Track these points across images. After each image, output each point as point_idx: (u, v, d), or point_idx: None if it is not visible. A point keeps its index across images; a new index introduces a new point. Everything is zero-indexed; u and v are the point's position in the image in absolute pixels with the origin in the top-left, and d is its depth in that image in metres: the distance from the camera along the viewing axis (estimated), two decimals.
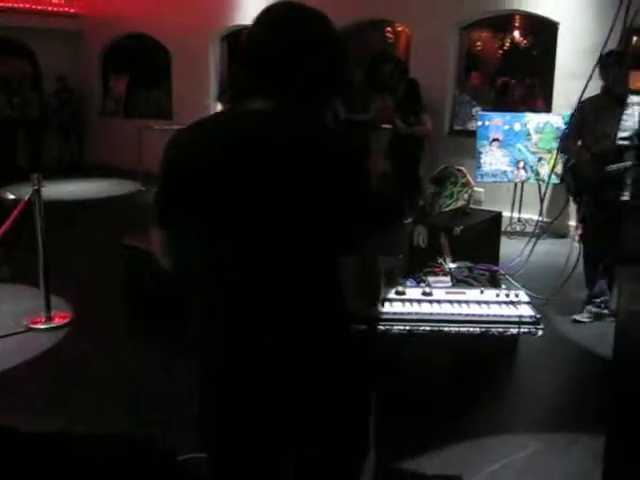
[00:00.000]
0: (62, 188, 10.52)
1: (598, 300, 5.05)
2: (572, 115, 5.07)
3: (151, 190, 10.62)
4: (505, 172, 8.09)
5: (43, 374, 4.28)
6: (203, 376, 1.75)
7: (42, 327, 4.95)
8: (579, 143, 5.08)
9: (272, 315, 1.63)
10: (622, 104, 4.63)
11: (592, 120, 4.90)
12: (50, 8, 13.26)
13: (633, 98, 4.76)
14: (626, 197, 4.50)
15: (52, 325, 4.97)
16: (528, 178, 8.06)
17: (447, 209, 5.41)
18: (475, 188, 5.95)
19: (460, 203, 5.46)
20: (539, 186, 7.88)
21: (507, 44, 10.83)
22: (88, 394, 3.96)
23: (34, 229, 5.01)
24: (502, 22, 10.22)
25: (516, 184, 8.18)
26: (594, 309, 5.10)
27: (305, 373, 1.65)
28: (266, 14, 1.63)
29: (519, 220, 8.22)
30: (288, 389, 1.66)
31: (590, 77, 3.44)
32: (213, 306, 1.70)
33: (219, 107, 11.09)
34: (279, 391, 1.66)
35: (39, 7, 13.04)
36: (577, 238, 6.38)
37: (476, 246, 4.87)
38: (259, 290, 1.63)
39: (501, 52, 10.95)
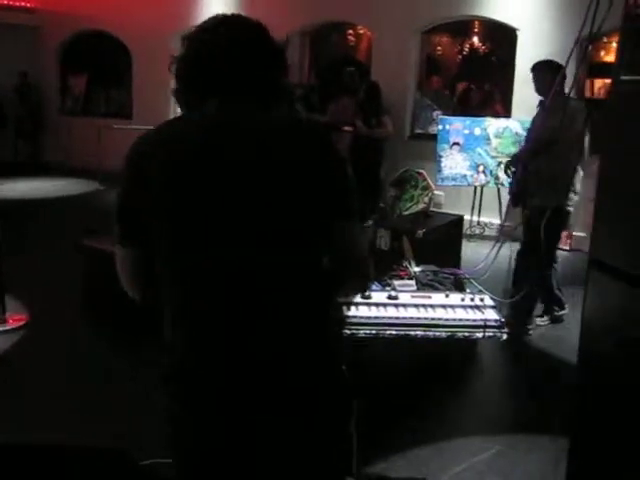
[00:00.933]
0: (19, 186, 10.31)
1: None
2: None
3: (110, 189, 10.49)
4: (465, 176, 8.18)
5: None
6: (180, 399, 1.66)
7: None
8: None
9: (261, 320, 1.57)
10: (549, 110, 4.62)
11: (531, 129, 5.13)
12: (7, 2, 12.97)
13: (573, 103, 4.78)
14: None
15: (6, 327, 4.85)
16: (487, 182, 8.16)
17: (407, 212, 5.44)
18: (435, 191, 6.00)
19: (420, 206, 5.50)
20: (498, 190, 8.00)
21: (467, 49, 10.96)
22: (43, 400, 3.86)
23: None
24: (463, 27, 10.33)
25: (476, 188, 8.28)
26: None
27: (294, 381, 1.61)
28: (219, 23, 1.67)
29: (478, 223, 8.32)
30: (271, 396, 1.59)
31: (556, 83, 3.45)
32: (196, 315, 1.60)
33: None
34: (261, 399, 1.59)
35: None
36: None
37: (438, 249, 4.92)
38: (246, 296, 1.56)
39: (461, 57, 11.07)
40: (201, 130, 1.59)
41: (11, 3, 13.06)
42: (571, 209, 4.88)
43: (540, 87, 4.87)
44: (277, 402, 1.59)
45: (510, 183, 5.53)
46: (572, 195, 4.87)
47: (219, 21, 1.67)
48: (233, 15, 1.70)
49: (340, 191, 1.62)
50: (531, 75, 4.99)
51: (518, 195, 4.86)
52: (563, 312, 5.15)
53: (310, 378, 1.63)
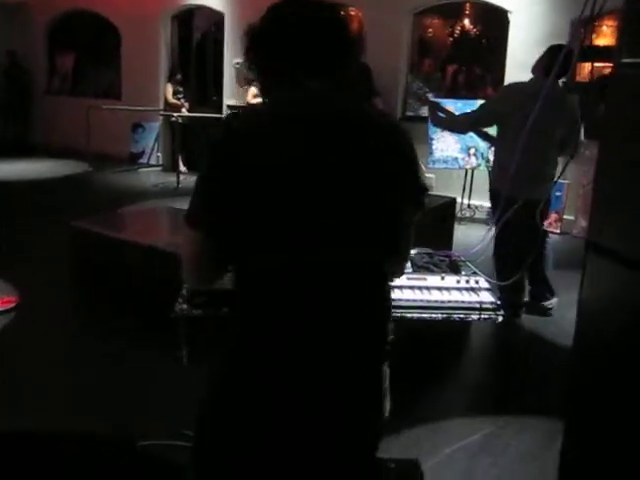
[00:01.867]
0: (7, 168, 10.23)
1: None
2: None
3: (98, 170, 10.45)
4: (456, 159, 8.19)
5: None
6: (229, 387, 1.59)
7: None
8: None
9: (336, 322, 1.54)
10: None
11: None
12: None
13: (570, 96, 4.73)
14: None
15: None
16: (479, 165, 8.18)
17: None
18: (427, 174, 6.01)
19: None
20: (489, 173, 8.00)
21: (458, 31, 10.92)
22: (34, 384, 3.84)
23: None
24: (454, 9, 10.29)
25: (467, 170, 8.29)
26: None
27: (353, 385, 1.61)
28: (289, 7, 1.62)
29: (469, 206, 8.34)
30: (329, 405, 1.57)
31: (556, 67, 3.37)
32: (274, 312, 1.54)
33: (169, 88, 10.92)
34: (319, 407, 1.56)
35: None
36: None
37: (430, 232, 4.91)
38: (330, 297, 1.53)
39: (452, 39, 11.03)
40: (302, 118, 1.52)
41: None
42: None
43: (534, 69, 4.79)
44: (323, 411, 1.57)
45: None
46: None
47: (302, 4, 1.62)
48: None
49: (412, 183, 1.63)
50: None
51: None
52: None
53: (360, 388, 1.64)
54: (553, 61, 4.03)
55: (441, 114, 5.11)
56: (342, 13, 1.63)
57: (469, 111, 5.11)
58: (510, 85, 5.05)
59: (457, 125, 5.09)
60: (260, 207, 1.46)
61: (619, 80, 1.98)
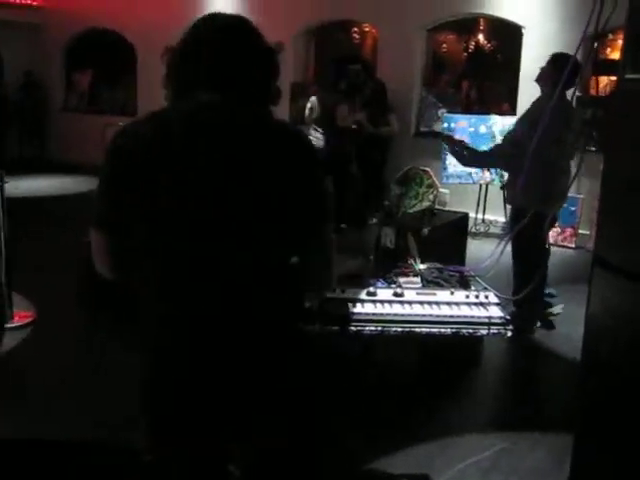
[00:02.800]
0: (24, 184, 10.32)
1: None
2: None
3: None
4: (470, 174, 8.18)
5: (3, 374, 4.19)
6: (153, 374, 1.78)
7: (3, 327, 4.84)
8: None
9: (231, 310, 1.64)
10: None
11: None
12: (12, 0, 12.99)
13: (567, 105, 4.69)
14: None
15: (13, 324, 4.87)
16: (492, 180, 8.16)
17: (412, 210, 5.43)
18: (440, 189, 6.00)
19: (425, 204, 5.49)
20: (503, 188, 7.99)
21: (472, 47, 10.95)
22: (50, 398, 3.87)
23: None
24: (468, 25, 10.33)
25: (481, 186, 8.28)
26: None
27: (256, 369, 1.67)
28: (211, 20, 1.76)
29: (483, 221, 8.32)
30: (237, 383, 1.67)
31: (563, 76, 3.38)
32: (168, 304, 1.69)
33: None
34: (227, 385, 1.67)
35: None
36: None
37: (443, 247, 4.91)
38: (218, 286, 1.63)
39: (466, 55, 11.06)
40: (185, 123, 1.64)
41: (16, 1, 13.08)
42: (551, 212, 4.33)
43: (538, 78, 4.80)
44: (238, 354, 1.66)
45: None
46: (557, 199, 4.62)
47: (211, 18, 1.76)
48: (225, 14, 1.77)
49: (318, 194, 1.70)
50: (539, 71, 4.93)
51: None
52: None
53: (275, 369, 1.70)
54: (557, 72, 4.21)
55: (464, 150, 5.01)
56: (251, 26, 1.74)
57: (498, 144, 5.04)
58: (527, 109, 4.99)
59: (494, 161, 4.99)
60: (147, 203, 1.60)
61: (622, 95, 1.99)
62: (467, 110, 9.46)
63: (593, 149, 6.25)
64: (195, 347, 1.66)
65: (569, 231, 7.83)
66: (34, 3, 13.35)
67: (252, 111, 1.69)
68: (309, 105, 8.48)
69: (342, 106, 8.25)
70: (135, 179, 1.60)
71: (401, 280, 3.15)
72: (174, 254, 1.63)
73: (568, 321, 5.10)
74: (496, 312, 2.75)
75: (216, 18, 1.75)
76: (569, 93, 4.59)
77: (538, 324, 4.93)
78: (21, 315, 5.00)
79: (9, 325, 4.84)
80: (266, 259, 1.66)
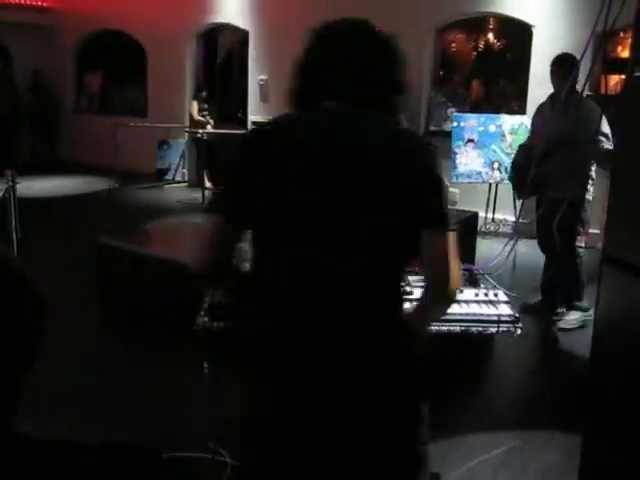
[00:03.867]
0: (36, 185, 10.39)
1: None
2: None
3: (125, 187, 10.59)
4: (480, 173, 8.17)
5: None
6: (255, 379, 1.72)
7: None
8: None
9: (338, 319, 1.61)
10: (564, 108, 4.61)
11: (538, 124, 5.16)
12: (24, 2, 13.08)
13: (588, 102, 4.86)
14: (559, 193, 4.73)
15: None
16: (502, 179, 8.15)
17: None
18: (450, 188, 6.01)
19: None
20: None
21: (482, 46, 10.92)
22: (58, 398, 3.90)
23: (7, 226, 4.94)
24: (477, 24, 10.30)
25: (490, 185, 8.27)
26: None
27: (365, 379, 1.63)
28: (326, 29, 1.75)
29: (493, 220, 8.31)
30: (345, 395, 1.61)
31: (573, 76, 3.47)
32: (275, 307, 1.67)
33: (195, 106, 11.04)
34: (335, 397, 1.61)
35: (12, 1, 12.84)
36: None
37: None
38: (327, 294, 1.60)
39: (476, 54, 11.03)
40: (315, 132, 1.63)
41: (27, 3, 13.17)
42: (589, 198, 5.03)
43: (554, 84, 4.89)
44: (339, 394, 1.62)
45: (509, 177, 5.59)
46: (589, 186, 5.01)
47: (346, 25, 1.75)
48: (361, 21, 1.76)
49: (433, 205, 1.64)
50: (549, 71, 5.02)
51: (531, 189, 4.83)
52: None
53: (387, 380, 1.66)
54: (562, 71, 4.64)
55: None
56: (380, 33, 1.74)
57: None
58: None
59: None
60: (265, 205, 1.62)
61: (632, 93, 1.99)
62: (476, 109, 9.45)
63: None
64: (302, 366, 1.62)
65: (580, 231, 7.79)
66: (45, 5, 13.43)
67: (376, 120, 1.68)
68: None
69: None
70: (259, 178, 1.62)
71: (410, 278, 3.15)
72: (287, 260, 1.63)
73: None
74: (506, 310, 2.75)
75: (351, 26, 1.75)
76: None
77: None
78: None
79: None
80: (383, 270, 1.64)
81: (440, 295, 1.73)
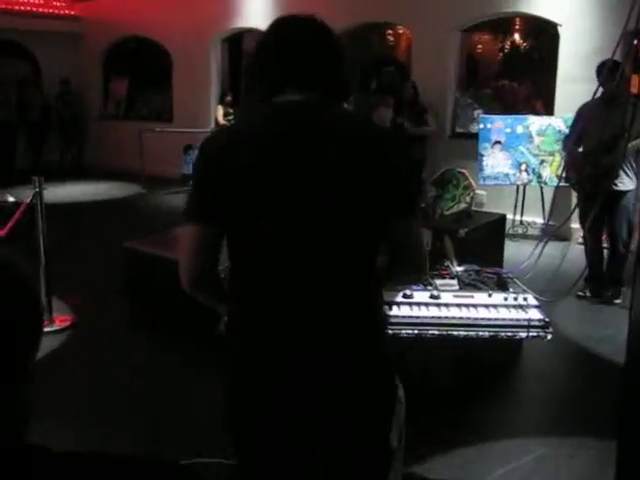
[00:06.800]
0: (63, 190, 10.49)
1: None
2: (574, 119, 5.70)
3: (152, 192, 10.65)
4: (507, 175, 8.08)
5: (44, 379, 4.24)
6: (236, 376, 1.73)
7: (44, 330, 4.90)
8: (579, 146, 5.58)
9: (316, 312, 1.63)
10: (614, 107, 4.94)
11: (587, 122, 5.34)
12: (51, 10, 13.25)
13: (631, 100, 5.14)
14: (622, 186, 5.29)
15: (54, 328, 4.94)
16: (530, 181, 8.05)
17: (448, 212, 5.40)
18: (477, 191, 5.94)
19: (462, 206, 5.45)
20: (541, 189, 7.89)
21: (508, 46, 10.83)
22: (88, 400, 3.92)
23: (35, 231, 4.98)
24: (503, 24, 10.21)
25: (518, 187, 8.17)
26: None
27: (342, 371, 1.66)
28: (289, 21, 1.74)
29: (521, 223, 8.21)
30: (325, 386, 1.65)
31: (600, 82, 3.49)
32: (256, 311, 1.68)
33: (220, 110, 11.07)
34: (316, 390, 1.65)
35: (40, 9, 13.02)
36: (580, 241, 6.49)
37: (480, 249, 4.86)
38: (306, 287, 1.62)
39: (502, 55, 10.94)
40: (273, 125, 1.65)
41: (57, 12, 13.33)
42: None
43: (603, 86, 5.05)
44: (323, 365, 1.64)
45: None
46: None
47: (288, 19, 1.74)
48: (299, 15, 1.75)
49: (404, 191, 1.68)
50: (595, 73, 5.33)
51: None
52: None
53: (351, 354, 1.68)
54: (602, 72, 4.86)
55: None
56: (326, 26, 1.73)
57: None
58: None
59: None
60: (238, 204, 1.61)
61: None
62: (504, 110, 9.35)
63: None
64: (283, 359, 1.64)
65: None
66: (72, 13, 13.59)
67: (339, 110, 1.72)
68: (346, 106, 8.50)
69: (381, 108, 8.24)
70: (226, 182, 1.60)
71: (438, 282, 3.11)
72: (264, 258, 1.63)
73: (611, 322, 5.00)
74: (535, 314, 2.69)
75: (293, 19, 1.74)
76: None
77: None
78: (61, 319, 5.07)
79: (49, 329, 4.91)
80: (358, 262, 1.66)
81: (411, 280, 1.80)
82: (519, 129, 7.97)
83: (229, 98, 11.25)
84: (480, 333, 2.63)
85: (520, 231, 8.07)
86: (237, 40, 12.13)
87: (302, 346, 1.62)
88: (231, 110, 11.15)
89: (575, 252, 6.34)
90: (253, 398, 1.68)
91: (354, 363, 1.66)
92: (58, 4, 13.37)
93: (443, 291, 2.91)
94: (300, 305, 1.63)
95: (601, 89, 5.05)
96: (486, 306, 2.75)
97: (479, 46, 10.92)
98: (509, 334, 2.62)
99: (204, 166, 1.66)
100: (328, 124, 1.64)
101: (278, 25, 1.74)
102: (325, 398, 1.66)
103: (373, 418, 1.73)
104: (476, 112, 9.42)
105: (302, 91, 1.67)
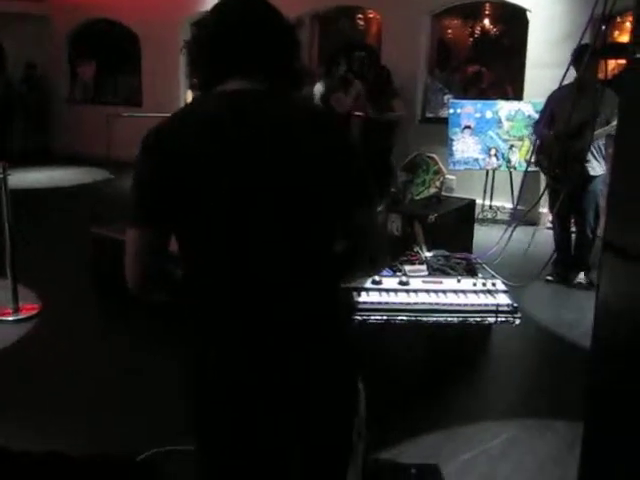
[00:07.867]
0: (30, 176, 10.33)
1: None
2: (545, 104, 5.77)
3: (120, 177, 10.52)
4: (477, 160, 8.12)
5: (9, 368, 4.18)
6: (196, 373, 1.68)
7: (9, 319, 4.84)
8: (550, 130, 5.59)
9: (278, 309, 1.59)
10: (583, 92, 4.91)
11: (558, 107, 5.40)
12: None
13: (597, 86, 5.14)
14: (591, 170, 5.39)
15: (19, 317, 4.86)
16: (499, 166, 8.10)
17: (419, 197, 5.41)
18: (447, 176, 5.96)
19: (432, 191, 5.47)
20: (510, 174, 7.94)
21: (478, 32, 10.84)
22: (56, 389, 3.87)
23: (1, 218, 4.89)
24: (473, 9, 10.22)
25: (487, 171, 8.22)
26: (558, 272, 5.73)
27: (307, 369, 1.62)
28: (233, 3, 1.66)
29: (490, 207, 8.27)
30: (287, 383, 1.61)
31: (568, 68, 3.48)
32: (217, 303, 1.62)
33: (190, 95, 10.96)
34: (277, 387, 1.61)
35: None
36: (549, 225, 6.57)
37: (450, 234, 4.88)
38: (265, 284, 1.57)
39: (472, 40, 10.95)
40: (222, 116, 1.56)
41: None
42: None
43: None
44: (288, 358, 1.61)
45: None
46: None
47: (228, 2, 1.66)
48: None
49: (359, 179, 1.64)
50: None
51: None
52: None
53: (328, 364, 1.65)
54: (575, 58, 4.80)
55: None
56: (272, 6, 1.66)
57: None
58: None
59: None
60: (184, 199, 1.52)
61: (634, 76, 1.94)
62: (473, 95, 9.38)
63: None
64: (245, 347, 1.59)
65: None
66: None
67: (288, 97, 1.65)
68: (315, 91, 8.47)
69: (337, 94, 8.26)
70: (177, 177, 1.52)
71: (407, 268, 3.11)
72: (221, 250, 1.57)
73: (579, 306, 5.06)
74: (504, 299, 2.71)
75: (232, 2, 1.66)
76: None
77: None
78: (27, 307, 4.99)
79: (15, 317, 4.84)
80: (317, 251, 1.62)
81: (369, 269, 1.77)
82: (488, 114, 8.02)
83: None
84: (449, 319, 2.64)
85: (489, 216, 8.12)
86: None
87: (263, 335, 1.58)
88: None
89: (544, 236, 6.40)
90: (214, 393, 1.63)
91: (315, 351, 1.63)
92: None
93: (412, 277, 2.92)
94: (260, 295, 1.58)
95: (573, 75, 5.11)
96: (455, 292, 2.76)
97: (449, 31, 10.92)
98: (478, 319, 2.63)
99: (148, 164, 1.57)
100: (272, 114, 1.57)
101: (221, 7, 1.65)
102: (286, 388, 1.62)
103: (334, 411, 1.71)
104: (446, 97, 9.44)
105: (249, 79, 1.60)
